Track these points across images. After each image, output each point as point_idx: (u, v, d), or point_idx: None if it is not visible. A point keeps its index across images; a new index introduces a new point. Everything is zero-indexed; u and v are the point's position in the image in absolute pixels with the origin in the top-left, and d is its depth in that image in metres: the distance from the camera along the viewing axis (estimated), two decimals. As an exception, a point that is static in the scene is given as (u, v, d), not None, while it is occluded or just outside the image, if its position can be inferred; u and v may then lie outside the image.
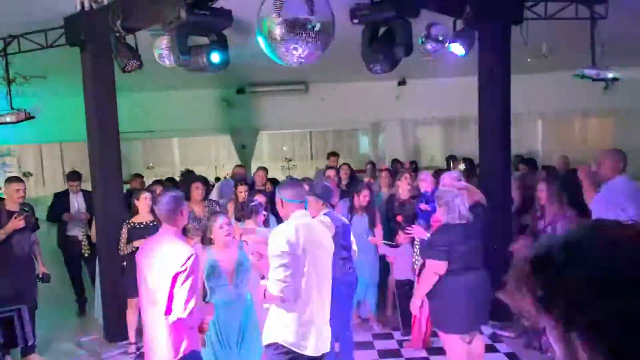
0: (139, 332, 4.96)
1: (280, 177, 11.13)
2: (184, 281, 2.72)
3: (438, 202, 3.73)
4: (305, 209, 3.10)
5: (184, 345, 2.83)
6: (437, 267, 3.59)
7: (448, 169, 7.32)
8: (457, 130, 10.75)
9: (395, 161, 9.29)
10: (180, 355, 2.82)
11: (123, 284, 4.89)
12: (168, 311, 2.77)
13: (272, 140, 13.59)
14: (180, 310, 2.73)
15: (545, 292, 0.81)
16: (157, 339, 2.88)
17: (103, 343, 5.27)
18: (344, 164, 7.00)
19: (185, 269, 2.72)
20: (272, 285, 2.76)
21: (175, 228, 2.93)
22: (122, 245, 4.85)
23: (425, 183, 5.16)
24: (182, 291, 2.73)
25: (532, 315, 0.84)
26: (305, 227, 2.89)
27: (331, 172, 6.19)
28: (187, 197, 4.97)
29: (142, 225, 4.87)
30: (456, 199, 3.63)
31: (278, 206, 3.05)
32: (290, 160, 12.02)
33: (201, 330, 3.01)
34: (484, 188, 4.81)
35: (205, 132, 11.61)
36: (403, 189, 5.36)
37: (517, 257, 0.91)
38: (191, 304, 2.73)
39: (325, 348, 2.95)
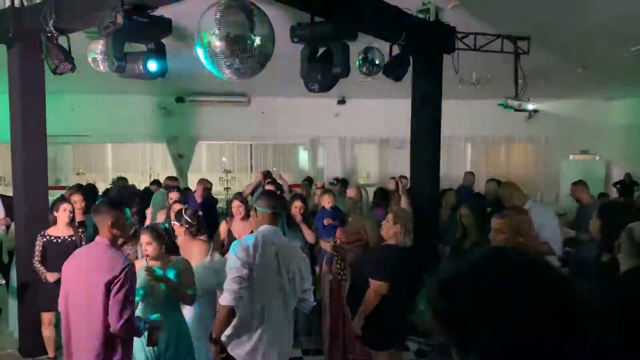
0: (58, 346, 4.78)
1: (219, 188, 11.04)
2: (118, 291, 2.68)
3: (395, 221, 3.78)
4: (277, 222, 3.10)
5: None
6: (380, 287, 3.62)
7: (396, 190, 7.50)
8: (392, 149, 11.13)
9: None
10: None
11: (38, 297, 4.63)
12: (103, 323, 2.72)
13: (211, 151, 13.41)
14: (115, 321, 2.69)
15: (447, 316, 0.87)
16: (84, 354, 2.78)
17: (18, 358, 4.97)
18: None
19: (120, 279, 2.68)
20: (224, 297, 2.80)
21: (109, 238, 2.86)
22: (35, 259, 4.53)
23: (327, 199, 5.39)
24: (116, 301, 2.69)
25: (439, 335, 0.88)
26: (266, 244, 2.91)
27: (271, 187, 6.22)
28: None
29: (58, 240, 4.55)
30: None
31: (252, 216, 3.11)
32: (230, 171, 11.90)
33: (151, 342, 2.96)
34: (414, 206, 5.03)
35: (141, 139, 11.31)
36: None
37: (429, 280, 0.95)
38: (126, 314, 2.70)
39: None
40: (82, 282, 2.79)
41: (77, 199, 5.16)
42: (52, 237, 4.57)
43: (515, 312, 0.82)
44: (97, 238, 2.90)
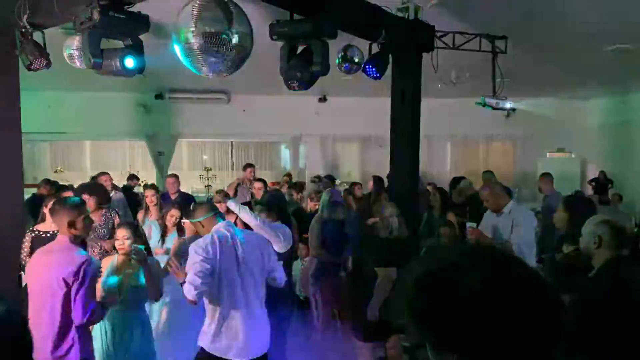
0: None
1: (199, 186, 10.97)
2: (79, 288, 2.72)
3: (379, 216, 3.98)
4: (222, 219, 3.25)
5: (72, 352, 2.78)
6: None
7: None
8: (374, 148, 11.18)
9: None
10: None
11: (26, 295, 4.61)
12: (61, 315, 2.75)
13: (191, 149, 13.30)
14: (80, 316, 2.74)
15: (423, 314, 0.86)
16: (44, 345, 2.78)
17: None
18: (259, 179, 7.02)
19: (79, 275, 2.72)
20: (187, 289, 2.86)
21: (70, 235, 2.88)
22: (24, 255, 4.48)
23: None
24: (79, 298, 2.73)
25: (414, 334, 0.87)
26: (225, 238, 3.04)
27: (258, 185, 6.19)
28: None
29: (48, 234, 4.51)
30: None
31: (199, 230, 3.23)
32: (210, 169, 11.81)
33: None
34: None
35: (120, 137, 11.17)
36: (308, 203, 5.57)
37: (404, 278, 0.95)
38: (91, 306, 2.77)
39: (254, 354, 3.06)
40: (44, 276, 2.82)
41: (86, 198, 5.09)
42: (41, 232, 4.55)
43: (492, 310, 0.82)
44: (59, 235, 2.95)
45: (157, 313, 4.19)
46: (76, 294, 2.72)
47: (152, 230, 4.83)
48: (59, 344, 2.78)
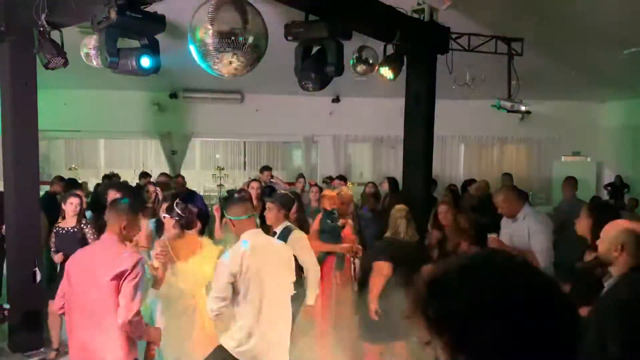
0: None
1: (212, 185, 11.01)
2: (129, 284, 2.68)
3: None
4: (258, 223, 3.20)
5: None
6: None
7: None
8: (386, 149, 11.14)
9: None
10: None
11: (41, 290, 4.73)
12: (114, 317, 2.70)
13: (205, 148, 13.37)
14: (125, 314, 2.67)
15: (437, 316, 0.85)
16: (90, 351, 2.77)
17: (7, 353, 4.95)
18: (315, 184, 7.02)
19: (131, 272, 2.68)
20: (210, 302, 2.91)
21: (119, 235, 2.85)
22: (52, 252, 4.79)
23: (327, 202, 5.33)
24: (126, 294, 2.68)
25: (426, 337, 0.86)
26: (253, 251, 2.94)
27: (255, 184, 6.17)
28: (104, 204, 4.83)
29: (64, 231, 4.80)
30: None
31: (230, 227, 3.16)
32: (222, 169, 11.86)
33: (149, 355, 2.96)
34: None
35: (134, 135, 11.26)
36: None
37: (417, 279, 0.94)
38: (135, 307, 2.69)
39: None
40: (90, 277, 2.77)
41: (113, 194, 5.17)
42: (60, 229, 4.84)
43: (508, 312, 0.82)
44: (107, 234, 2.89)
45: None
46: (123, 291, 2.67)
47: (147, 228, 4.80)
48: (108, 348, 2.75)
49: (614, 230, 2.26)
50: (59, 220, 4.89)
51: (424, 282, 0.90)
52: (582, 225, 2.92)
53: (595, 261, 2.52)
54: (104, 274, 2.71)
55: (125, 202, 2.96)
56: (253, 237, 3.04)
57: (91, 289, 2.75)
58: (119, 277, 2.68)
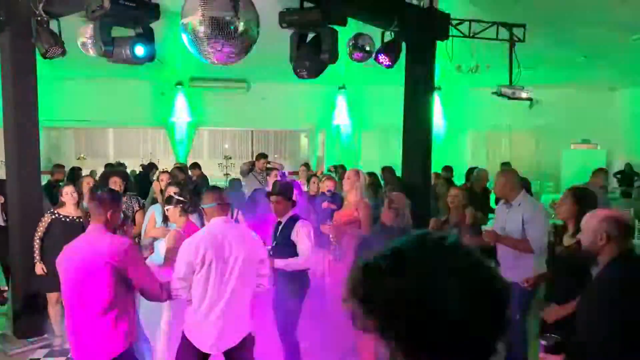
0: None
1: (219, 174, 11.07)
2: (136, 270, 2.74)
3: (390, 205, 3.84)
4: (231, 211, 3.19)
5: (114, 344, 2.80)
6: None
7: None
8: (393, 137, 11.07)
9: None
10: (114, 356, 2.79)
11: (38, 279, 4.72)
12: (108, 301, 2.74)
13: (212, 137, 13.45)
14: (157, 293, 2.80)
15: (366, 298, 0.85)
16: (84, 339, 2.82)
17: (12, 339, 5.05)
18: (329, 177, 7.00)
19: (126, 259, 2.72)
20: (172, 282, 2.93)
21: (105, 224, 2.87)
22: (39, 233, 4.59)
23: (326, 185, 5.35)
24: (143, 278, 2.76)
25: (360, 321, 0.85)
26: (213, 239, 2.97)
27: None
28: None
29: (67, 219, 4.64)
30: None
31: (205, 216, 3.20)
32: (230, 158, 11.92)
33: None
34: (405, 194, 5.01)
35: (141, 124, 11.37)
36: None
37: (354, 264, 0.93)
38: (155, 279, 2.80)
39: (228, 345, 3.04)
40: (82, 267, 2.78)
41: (117, 180, 5.19)
42: (61, 215, 4.65)
43: (432, 296, 0.81)
44: (93, 224, 2.91)
45: None
46: (138, 278, 2.75)
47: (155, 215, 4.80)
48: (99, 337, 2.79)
49: (595, 220, 2.24)
50: (57, 206, 4.74)
51: (359, 264, 0.90)
52: (566, 209, 2.90)
53: (577, 245, 2.51)
54: (98, 262, 2.73)
55: (110, 193, 3.01)
56: (218, 224, 3.06)
57: (86, 279, 2.78)
58: (113, 264, 2.70)
